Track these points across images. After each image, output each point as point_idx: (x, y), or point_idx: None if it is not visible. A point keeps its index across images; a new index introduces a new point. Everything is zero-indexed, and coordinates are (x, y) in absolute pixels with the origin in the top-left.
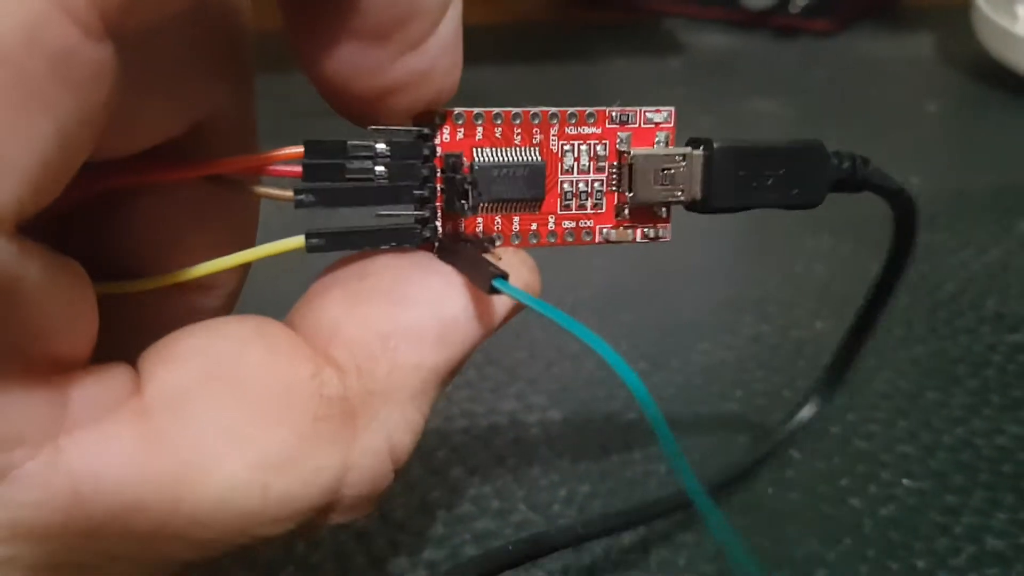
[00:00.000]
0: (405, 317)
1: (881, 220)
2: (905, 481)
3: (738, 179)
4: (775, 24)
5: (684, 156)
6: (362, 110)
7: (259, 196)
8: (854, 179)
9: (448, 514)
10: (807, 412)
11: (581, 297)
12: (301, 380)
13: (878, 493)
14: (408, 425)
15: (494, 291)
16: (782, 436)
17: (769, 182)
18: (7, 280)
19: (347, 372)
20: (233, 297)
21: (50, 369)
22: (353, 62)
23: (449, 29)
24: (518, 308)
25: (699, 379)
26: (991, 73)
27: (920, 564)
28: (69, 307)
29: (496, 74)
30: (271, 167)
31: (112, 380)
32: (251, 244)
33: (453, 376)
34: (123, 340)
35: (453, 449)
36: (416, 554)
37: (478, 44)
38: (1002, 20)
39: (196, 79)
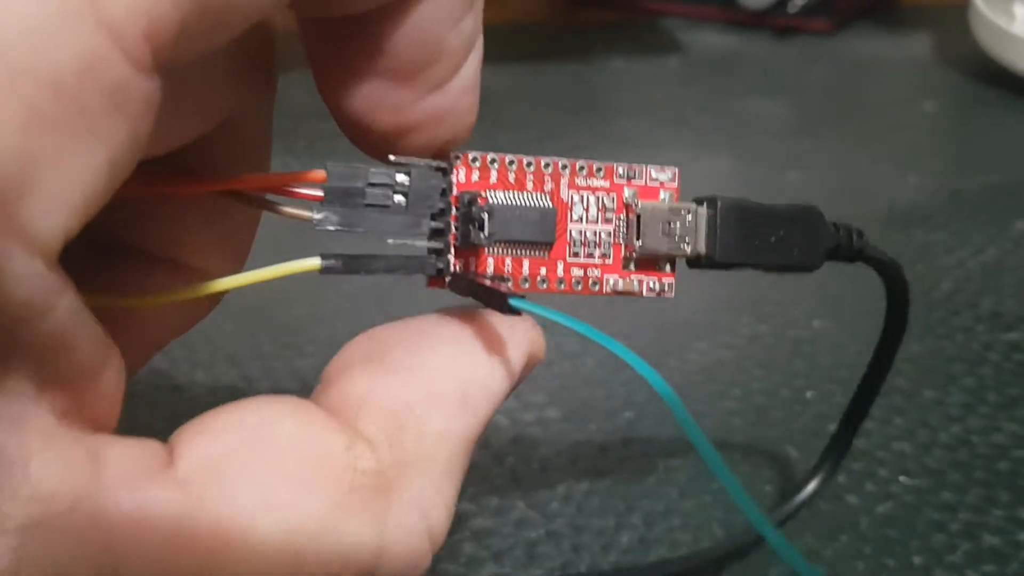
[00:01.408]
0: (427, 383)
1: (879, 220)
2: (902, 479)
3: (741, 236)
4: (773, 24)
5: (689, 211)
6: (379, 145)
7: (280, 215)
8: (849, 249)
9: None
10: (811, 487)
11: (579, 298)
12: (336, 452)
13: (875, 490)
14: (443, 499)
15: (512, 311)
16: (784, 515)
17: (771, 240)
18: (38, 310)
19: (378, 445)
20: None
21: (83, 420)
22: (376, 100)
23: (471, 71)
24: (534, 360)
25: (697, 378)
26: (988, 73)
27: (917, 560)
28: (95, 354)
29: (495, 74)
30: (291, 188)
31: (146, 448)
32: (246, 251)
33: (477, 443)
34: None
35: None
36: None
37: None
38: (999, 20)
39: (230, 80)
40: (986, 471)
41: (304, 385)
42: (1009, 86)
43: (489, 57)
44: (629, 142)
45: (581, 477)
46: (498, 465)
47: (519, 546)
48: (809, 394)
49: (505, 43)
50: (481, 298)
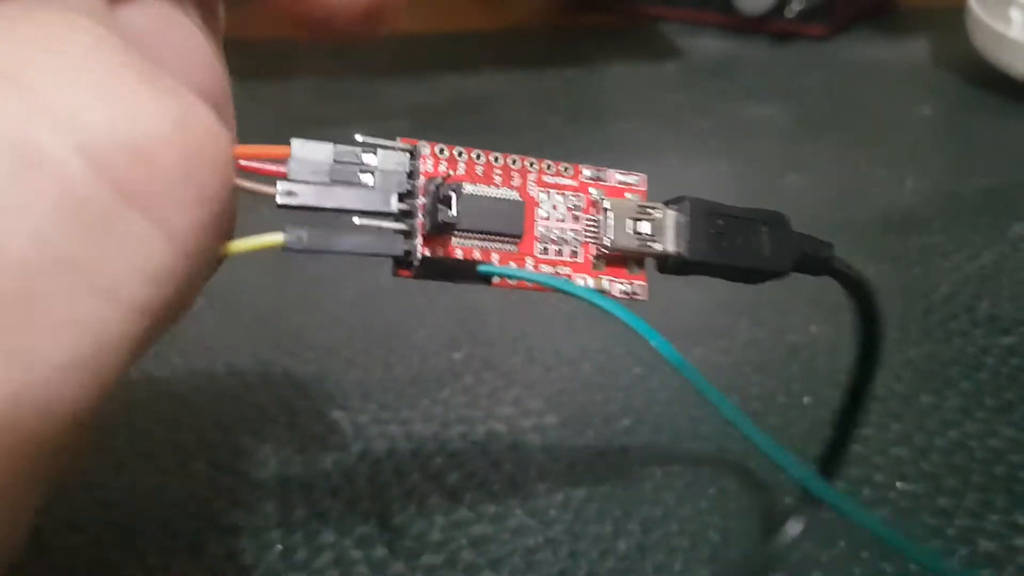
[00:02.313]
0: None
1: (877, 224)
2: (899, 484)
3: (711, 236)
4: (771, 29)
5: (658, 209)
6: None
7: (241, 190)
8: (815, 260)
9: (445, 519)
10: (794, 528)
11: (576, 303)
12: None
13: (872, 496)
14: None
15: (484, 279)
16: (767, 558)
17: (740, 242)
18: None
19: None
20: None
21: None
22: None
23: None
24: None
25: None
26: (985, 76)
27: (913, 566)
28: None
29: (494, 80)
30: (252, 164)
31: None
32: None
33: None
34: None
35: (450, 455)
36: (414, 559)
37: (476, 50)
38: (996, 24)
39: None
40: (983, 476)
41: (303, 393)
42: (1006, 90)
43: (488, 62)
44: (628, 146)
45: (579, 484)
46: (496, 472)
47: (517, 553)
48: (806, 399)
49: (503, 48)
50: (451, 275)
